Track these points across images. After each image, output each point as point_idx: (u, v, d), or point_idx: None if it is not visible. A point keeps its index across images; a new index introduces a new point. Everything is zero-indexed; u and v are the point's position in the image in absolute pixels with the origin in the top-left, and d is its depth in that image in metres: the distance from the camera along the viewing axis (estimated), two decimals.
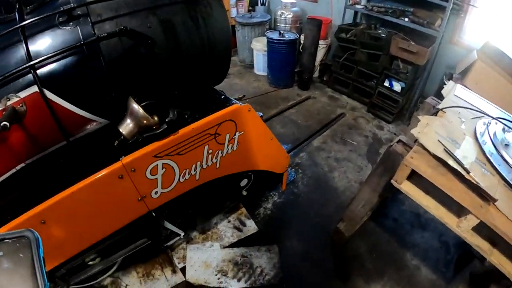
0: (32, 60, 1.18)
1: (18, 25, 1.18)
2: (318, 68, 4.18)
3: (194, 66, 1.67)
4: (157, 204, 1.56)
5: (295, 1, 4.35)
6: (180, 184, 1.59)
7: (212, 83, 2.07)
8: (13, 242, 0.46)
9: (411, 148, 1.47)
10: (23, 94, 1.22)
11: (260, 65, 4.39)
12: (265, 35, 3.93)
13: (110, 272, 1.85)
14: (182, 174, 1.57)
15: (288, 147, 2.99)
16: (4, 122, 1.08)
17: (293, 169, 2.81)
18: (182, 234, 1.99)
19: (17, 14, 1.22)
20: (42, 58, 1.18)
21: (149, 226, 1.70)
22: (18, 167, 1.36)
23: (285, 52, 3.88)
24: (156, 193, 1.52)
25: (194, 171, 1.63)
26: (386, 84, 3.41)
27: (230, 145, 1.70)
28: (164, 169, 1.47)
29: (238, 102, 1.77)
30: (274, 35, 3.81)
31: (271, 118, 3.48)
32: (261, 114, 2.58)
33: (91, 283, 1.81)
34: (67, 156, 1.46)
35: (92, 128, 1.48)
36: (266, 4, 4.91)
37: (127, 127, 1.31)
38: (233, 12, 4.93)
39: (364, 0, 3.58)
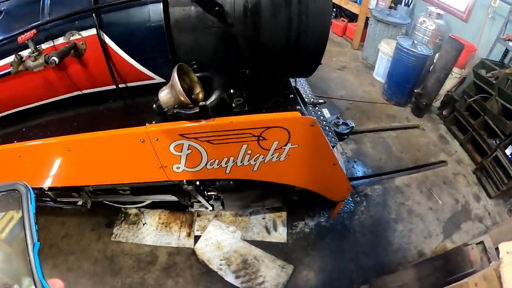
0: (97, 4, 1.33)
1: None
2: (442, 98, 3.87)
3: (274, 50, 1.57)
4: (178, 178, 1.63)
5: (443, 13, 4.04)
6: (206, 170, 1.58)
7: (296, 74, 1.97)
8: (3, 196, 0.43)
9: (489, 260, 1.14)
10: (85, 33, 1.40)
11: (381, 70, 4.30)
12: (396, 39, 3.80)
13: (137, 206, 2.13)
14: (210, 162, 1.55)
15: (366, 172, 2.99)
16: (54, 58, 1.23)
17: (357, 198, 2.75)
18: (210, 209, 2.10)
19: None
20: (106, 4, 1.36)
21: (177, 190, 1.80)
22: (75, 94, 1.64)
23: (411, 66, 3.68)
24: (178, 168, 1.55)
25: (226, 164, 1.57)
26: (508, 151, 2.90)
27: (277, 153, 1.55)
28: (190, 150, 1.46)
29: (304, 110, 1.55)
30: (406, 43, 3.67)
31: (365, 132, 3.46)
32: (353, 124, 2.59)
33: (119, 206, 2.11)
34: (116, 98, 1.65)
35: (146, 82, 1.62)
36: (411, 6, 4.47)
37: (164, 96, 1.37)
38: (372, 3, 4.85)
39: None
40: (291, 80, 2.15)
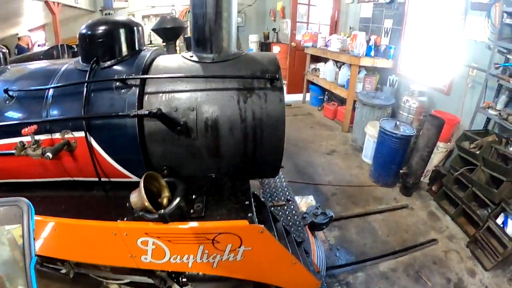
0: (86, 114, 1.66)
1: (85, 81, 1.66)
2: (430, 173, 3.82)
3: (233, 160, 1.78)
4: (147, 267, 1.71)
5: (425, 90, 4.19)
6: (170, 263, 1.66)
7: (259, 177, 2.19)
8: (5, 210, 0.45)
9: None
10: (76, 134, 1.71)
11: (369, 152, 4.37)
12: (379, 122, 3.93)
13: (117, 282, 2.12)
14: (173, 257, 1.64)
15: (349, 260, 2.87)
16: (48, 153, 1.57)
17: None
18: None
19: (89, 69, 1.70)
20: (92, 115, 1.66)
21: (152, 274, 1.93)
22: (66, 179, 1.94)
23: (395, 148, 3.73)
24: (145, 258, 1.65)
25: (187, 260, 1.66)
26: (500, 220, 2.82)
27: (232, 254, 1.63)
28: (154, 246, 1.59)
29: (254, 218, 1.62)
30: (388, 125, 3.80)
31: (350, 217, 3.37)
32: (332, 214, 2.57)
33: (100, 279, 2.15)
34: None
35: (126, 179, 1.86)
36: (395, 86, 4.57)
37: (134, 198, 1.52)
38: (358, 87, 5.11)
39: (501, 104, 3.17)
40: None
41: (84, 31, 1.80)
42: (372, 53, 5.00)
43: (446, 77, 4.12)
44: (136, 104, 1.63)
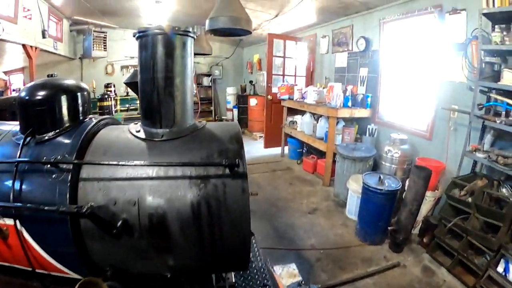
0: (15, 201, 1.40)
1: (15, 160, 1.43)
2: (420, 225, 3.57)
3: (189, 259, 1.49)
4: None
5: (406, 137, 4.03)
6: None
7: (224, 271, 1.88)
8: None
9: None
10: (7, 221, 1.45)
11: (353, 208, 4.07)
12: (362, 178, 3.70)
13: None
14: None
15: None
16: None
17: None
18: None
19: (21, 143, 1.48)
20: (20, 206, 1.39)
21: None
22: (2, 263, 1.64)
23: (380, 204, 3.45)
24: None
25: None
26: (501, 268, 2.64)
27: None
28: None
29: None
30: (372, 180, 3.56)
31: (337, 286, 2.97)
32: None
33: None
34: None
35: (66, 275, 1.56)
36: (375, 135, 4.34)
37: None
38: (337, 139, 4.90)
39: (487, 145, 3.08)
40: None
41: (22, 95, 1.55)
42: (350, 104, 4.92)
43: (427, 122, 4.07)
44: (68, 194, 1.37)
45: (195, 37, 1.60)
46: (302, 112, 5.89)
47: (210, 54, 8.36)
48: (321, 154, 5.41)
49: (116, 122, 1.94)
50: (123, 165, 1.39)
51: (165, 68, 1.48)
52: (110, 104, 5.35)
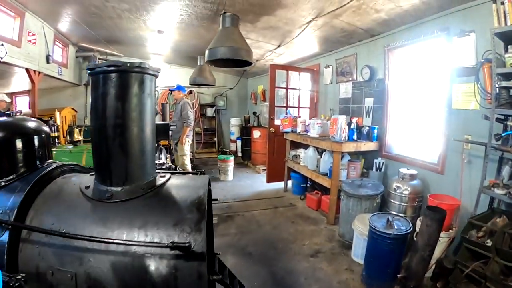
0: None
1: None
2: (433, 268, 3.11)
3: None
4: None
5: (416, 172, 3.74)
6: None
7: None
8: None
9: None
10: None
11: (359, 251, 3.65)
12: (368, 220, 3.33)
13: None
14: None
15: None
16: None
17: None
18: None
19: None
20: None
21: None
22: None
23: (388, 250, 3.08)
24: None
25: None
26: None
27: None
28: None
29: None
30: (380, 223, 3.20)
31: None
32: None
33: None
34: None
35: None
36: (382, 169, 4.04)
37: None
38: (342, 175, 4.58)
39: (506, 178, 2.77)
40: None
41: None
42: (355, 136, 4.64)
43: (438, 154, 3.73)
44: (5, 257, 1.22)
45: (157, 74, 1.45)
46: (306, 146, 5.61)
47: (213, 85, 8.39)
48: (326, 189, 5.03)
49: (77, 169, 1.76)
50: (59, 234, 1.21)
51: (115, 114, 1.27)
52: (54, 135, 5.13)
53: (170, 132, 6.08)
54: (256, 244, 4.03)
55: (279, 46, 6.07)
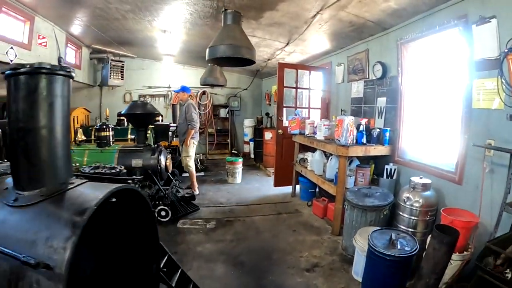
0: None
1: None
2: None
3: None
4: None
5: (430, 182, 3.31)
6: None
7: None
8: None
9: None
10: None
11: (360, 268, 3.21)
12: (368, 237, 2.94)
13: None
14: None
15: None
16: None
17: None
18: None
19: None
20: None
21: None
22: None
23: (388, 274, 2.66)
24: None
25: None
26: None
27: None
28: None
29: None
30: (381, 241, 2.80)
31: None
32: None
33: None
34: None
35: None
36: (394, 176, 3.68)
37: None
38: (349, 181, 4.25)
39: None
40: None
41: None
42: (364, 140, 4.22)
43: (456, 161, 3.24)
44: None
45: (71, 75, 1.45)
46: (315, 149, 5.26)
47: (224, 86, 8.20)
48: (333, 196, 4.66)
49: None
50: None
51: (19, 117, 1.26)
52: (108, 134, 5.10)
53: (169, 133, 5.85)
54: (251, 253, 3.74)
55: (287, 44, 5.75)
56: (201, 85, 7.60)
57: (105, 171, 2.03)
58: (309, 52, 6.20)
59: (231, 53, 4.01)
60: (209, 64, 7.59)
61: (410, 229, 3.21)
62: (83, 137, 5.41)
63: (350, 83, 5.24)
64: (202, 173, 7.79)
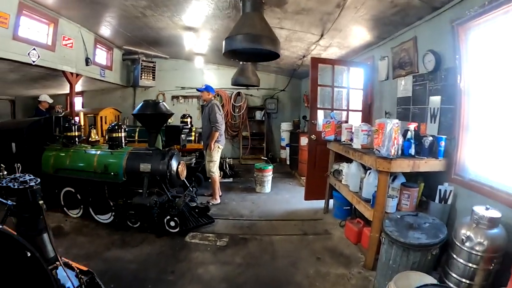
0: None
1: None
2: None
3: None
4: None
5: (499, 216, 2.37)
6: None
7: None
8: None
9: None
10: None
11: None
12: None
13: None
14: None
15: None
16: None
17: None
18: None
19: None
20: None
21: None
22: None
23: None
24: None
25: None
26: None
27: None
28: None
29: None
30: None
31: None
32: None
33: None
34: None
35: None
36: (449, 201, 2.77)
37: None
38: (390, 204, 3.33)
39: None
40: None
41: None
42: (412, 151, 3.28)
43: None
44: None
45: None
46: (351, 159, 4.41)
47: (257, 86, 7.58)
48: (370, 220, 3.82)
49: None
50: None
51: None
52: (120, 135, 4.76)
53: (182, 136, 5.22)
54: (258, 284, 3.06)
55: (322, 36, 4.95)
56: (232, 85, 7.08)
57: (13, 184, 1.51)
58: (348, 45, 5.31)
59: (249, 44, 3.40)
60: (241, 63, 7.08)
61: (464, 280, 2.31)
62: (97, 137, 5.15)
63: (396, 80, 4.26)
64: (230, 179, 7.27)
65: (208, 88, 5.57)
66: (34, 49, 4.98)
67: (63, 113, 5.24)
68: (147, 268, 3.34)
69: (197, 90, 5.79)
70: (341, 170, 4.54)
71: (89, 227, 4.47)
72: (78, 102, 9.87)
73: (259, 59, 4.39)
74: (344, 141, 4.43)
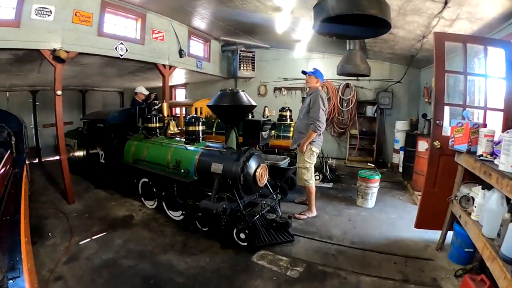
0: None
1: None
2: None
3: None
4: None
5: None
6: None
7: None
8: None
9: None
10: None
11: None
12: None
13: None
14: None
15: None
16: None
17: None
18: None
19: None
20: None
21: None
22: None
23: None
24: None
25: None
26: None
27: None
28: None
29: None
30: None
31: None
32: None
33: None
34: None
35: None
36: None
37: None
38: None
39: None
40: None
41: None
42: None
43: None
44: None
45: None
46: (491, 186, 2.88)
47: (367, 75, 6.27)
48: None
49: None
50: None
51: None
52: (197, 129, 4.39)
53: (263, 133, 4.30)
54: None
55: (446, 3, 3.47)
56: (337, 74, 6.00)
57: None
58: (481, 17, 3.65)
59: (345, 9, 2.70)
60: (348, 48, 5.93)
61: None
62: (176, 130, 4.90)
63: None
64: (330, 185, 6.22)
65: (316, 74, 4.48)
66: (121, 43, 5.15)
67: (159, 105, 5.22)
68: (193, 287, 2.88)
69: (303, 72, 4.64)
70: (472, 198, 3.06)
71: (158, 222, 4.34)
72: (181, 94, 10.45)
73: (364, 34, 3.54)
74: (482, 155, 2.94)
